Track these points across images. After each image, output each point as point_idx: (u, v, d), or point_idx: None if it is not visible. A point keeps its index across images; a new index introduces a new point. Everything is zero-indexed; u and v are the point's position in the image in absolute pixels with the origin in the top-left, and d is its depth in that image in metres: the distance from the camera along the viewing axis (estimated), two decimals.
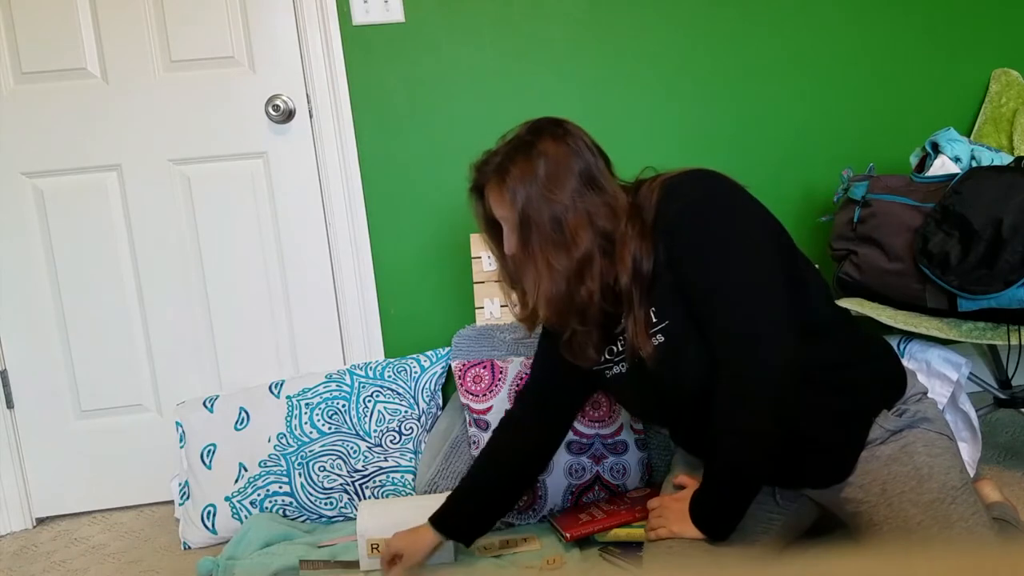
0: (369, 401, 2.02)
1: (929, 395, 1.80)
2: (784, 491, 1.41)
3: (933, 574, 0.42)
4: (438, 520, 1.53)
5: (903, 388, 1.37)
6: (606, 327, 1.40)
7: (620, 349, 1.40)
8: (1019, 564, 0.39)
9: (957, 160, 1.89)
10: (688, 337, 1.29)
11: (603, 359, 1.43)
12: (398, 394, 2.04)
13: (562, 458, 1.82)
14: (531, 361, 1.93)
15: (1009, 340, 1.71)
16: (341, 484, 1.95)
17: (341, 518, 1.95)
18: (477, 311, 2.14)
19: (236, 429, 2.00)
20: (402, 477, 1.96)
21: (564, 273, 1.31)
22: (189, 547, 1.95)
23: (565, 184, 1.32)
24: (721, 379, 1.27)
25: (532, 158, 1.33)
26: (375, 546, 1.64)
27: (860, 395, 1.34)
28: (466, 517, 1.54)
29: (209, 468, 1.98)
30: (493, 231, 1.43)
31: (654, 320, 1.31)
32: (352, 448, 1.97)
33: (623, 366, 1.40)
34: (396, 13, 2.13)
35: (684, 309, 1.29)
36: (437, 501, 1.68)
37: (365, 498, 1.94)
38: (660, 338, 1.31)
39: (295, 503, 1.94)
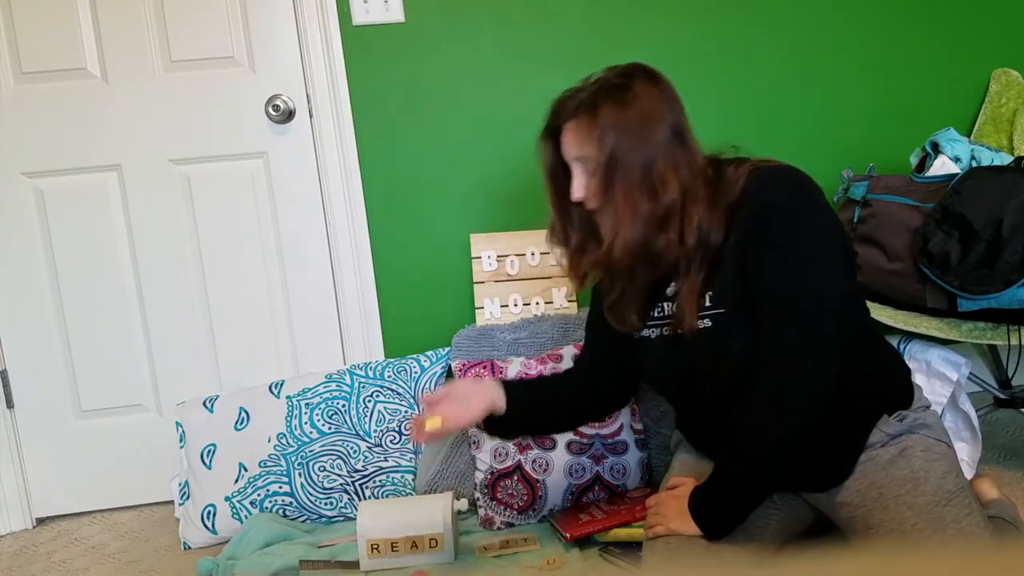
0: (369, 401, 2.02)
1: (929, 396, 1.81)
2: (780, 492, 1.41)
3: (932, 574, 0.42)
4: (505, 384, 1.49)
5: (910, 402, 1.38)
6: (651, 291, 1.38)
7: (658, 315, 1.39)
8: (1015, 563, 0.39)
9: (957, 160, 1.89)
10: (737, 330, 1.28)
11: (644, 324, 1.41)
12: (398, 394, 2.04)
13: (562, 458, 1.82)
14: (531, 361, 1.94)
15: (1009, 340, 1.71)
16: (341, 484, 1.95)
17: (341, 518, 1.95)
18: (477, 311, 2.14)
19: (236, 429, 2.00)
20: (402, 477, 1.96)
21: (646, 219, 1.27)
22: (189, 547, 1.95)
23: (657, 130, 1.28)
24: (762, 381, 1.26)
25: (627, 100, 1.28)
26: (375, 546, 1.64)
27: (868, 406, 1.34)
28: (523, 400, 1.49)
29: (209, 468, 1.98)
30: (556, 179, 1.38)
31: (708, 304, 1.30)
32: (352, 448, 1.97)
33: (654, 331, 1.39)
34: (396, 13, 2.13)
35: (741, 302, 1.28)
36: (437, 501, 1.68)
37: (365, 498, 1.94)
38: (708, 323, 1.30)
39: (295, 503, 1.94)
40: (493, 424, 1.49)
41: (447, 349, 2.11)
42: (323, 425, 1.98)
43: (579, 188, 1.33)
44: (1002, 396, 2.04)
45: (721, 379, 1.32)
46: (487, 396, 1.46)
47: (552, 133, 1.37)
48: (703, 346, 1.31)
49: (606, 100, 1.29)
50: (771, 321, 1.26)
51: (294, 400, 2.01)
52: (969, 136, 2.20)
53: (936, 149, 1.93)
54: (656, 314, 1.39)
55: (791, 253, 1.25)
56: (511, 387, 1.49)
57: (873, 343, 1.41)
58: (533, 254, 2.14)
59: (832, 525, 1.41)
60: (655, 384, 1.52)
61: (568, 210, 1.39)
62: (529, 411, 1.52)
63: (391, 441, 1.99)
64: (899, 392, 1.38)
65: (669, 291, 1.37)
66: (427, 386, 2.06)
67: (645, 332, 1.41)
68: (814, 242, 1.27)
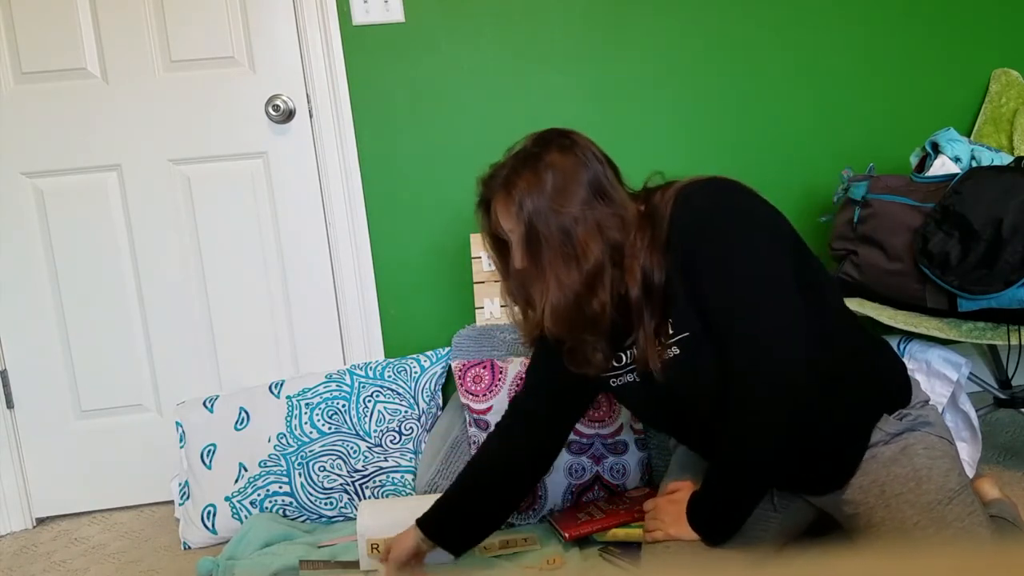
0: (369, 401, 2.02)
1: (929, 396, 1.81)
2: (782, 493, 1.41)
3: (932, 573, 0.42)
4: (425, 523, 1.48)
5: (908, 399, 1.37)
6: (615, 337, 1.37)
7: (628, 359, 1.39)
8: (1016, 563, 0.40)
9: (957, 160, 1.89)
10: (706, 349, 1.28)
11: (611, 367, 1.41)
12: (398, 394, 2.04)
13: (562, 458, 1.82)
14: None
15: (1009, 340, 1.71)
16: (341, 484, 1.95)
17: (341, 518, 1.95)
18: (477, 311, 2.14)
19: (236, 429, 2.00)
20: (402, 477, 1.96)
21: (573, 287, 1.28)
22: (189, 547, 1.95)
23: (574, 196, 1.29)
24: (732, 387, 1.26)
25: (539, 170, 1.30)
26: (375, 546, 1.64)
27: (863, 404, 1.34)
28: (453, 525, 1.49)
29: (209, 468, 1.98)
30: (499, 247, 1.41)
31: (671, 332, 1.30)
32: (352, 448, 1.97)
33: (634, 376, 1.39)
34: (396, 13, 2.13)
35: (702, 321, 1.28)
36: None
37: (365, 498, 1.94)
38: (676, 350, 1.30)
39: (295, 503, 1.94)
40: (448, 540, 1.50)
41: (447, 349, 2.11)
42: (323, 425, 1.98)
43: (515, 259, 1.35)
44: (1002, 396, 2.04)
45: (705, 400, 1.31)
46: (406, 545, 1.49)
47: (485, 206, 1.39)
48: (677, 374, 1.31)
49: (520, 174, 1.31)
50: (723, 332, 1.26)
51: (294, 400, 2.01)
52: (969, 136, 2.20)
53: (936, 149, 1.93)
54: (626, 360, 1.39)
55: (720, 262, 1.26)
56: (431, 523, 1.49)
57: (853, 336, 1.39)
58: None
59: (834, 523, 1.41)
60: (645, 421, 1.54)
61: (510, 277, 1.41)
62: (474, 516, 1.51)
63: (391, 441, 1.99)
64: (896, 389, 1.38)
65: (629, 341, 1.37)
66: (427, 386, 2.06)
67: (625, 378, 1.40)
68: (739, 246, 1.26)
